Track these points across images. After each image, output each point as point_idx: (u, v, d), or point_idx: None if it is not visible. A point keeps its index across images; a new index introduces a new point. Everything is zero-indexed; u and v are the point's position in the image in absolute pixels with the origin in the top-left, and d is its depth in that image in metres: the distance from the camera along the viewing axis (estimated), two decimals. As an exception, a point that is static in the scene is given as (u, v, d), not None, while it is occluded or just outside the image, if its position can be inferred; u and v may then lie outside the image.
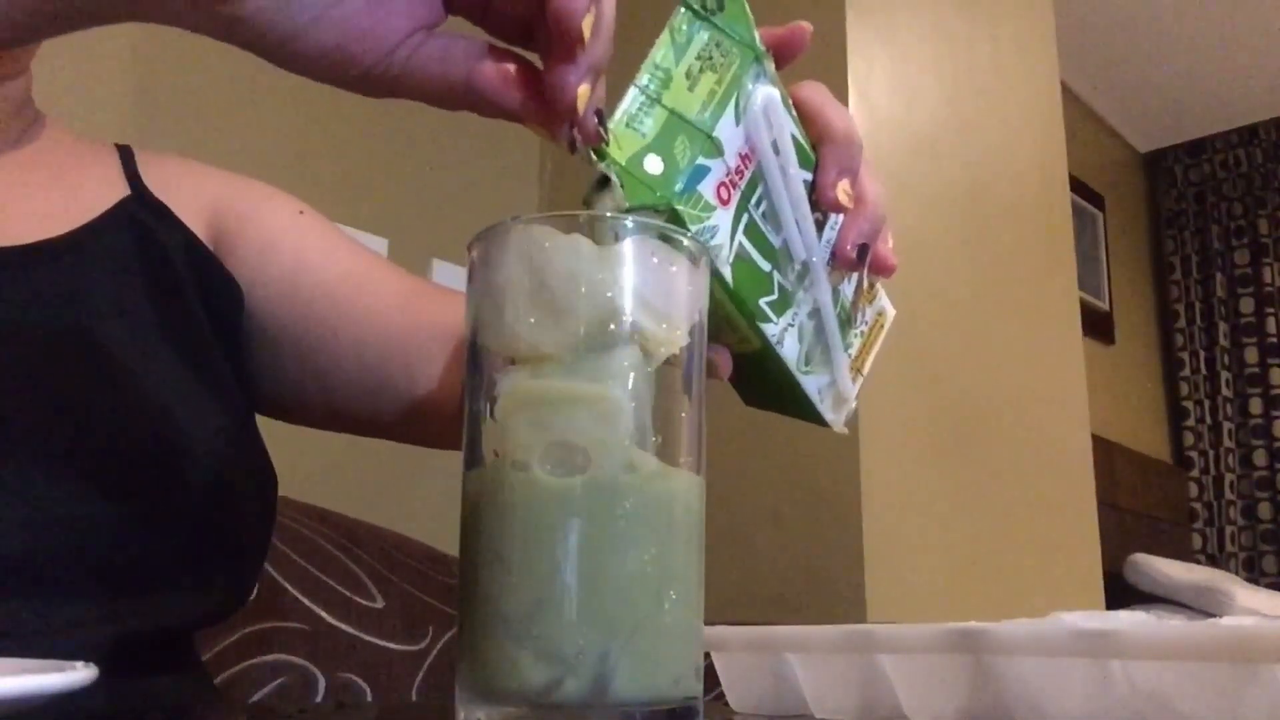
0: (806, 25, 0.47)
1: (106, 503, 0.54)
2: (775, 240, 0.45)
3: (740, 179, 0.43)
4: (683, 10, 0.42)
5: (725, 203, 0.42)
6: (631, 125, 0.40)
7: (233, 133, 1.52)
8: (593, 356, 0.36)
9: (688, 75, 0.41)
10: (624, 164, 0.40)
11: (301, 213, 0.71)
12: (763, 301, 0.44)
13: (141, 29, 1.45)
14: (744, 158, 0.43)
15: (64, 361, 0.57)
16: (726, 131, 0.42)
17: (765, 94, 0.44)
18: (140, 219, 0.65)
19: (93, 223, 0.63)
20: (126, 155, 0.69)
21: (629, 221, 0.37)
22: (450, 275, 1.79)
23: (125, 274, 0.63)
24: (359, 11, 0.38)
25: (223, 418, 0.62)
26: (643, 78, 0.41)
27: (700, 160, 0.41)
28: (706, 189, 0.41)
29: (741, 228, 0.43)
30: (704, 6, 0.42)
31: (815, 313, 0.47)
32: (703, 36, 0.42)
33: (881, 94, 1.72)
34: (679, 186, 0.40)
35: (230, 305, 0.67)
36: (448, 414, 0.66)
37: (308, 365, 0.68)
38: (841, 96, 1.64)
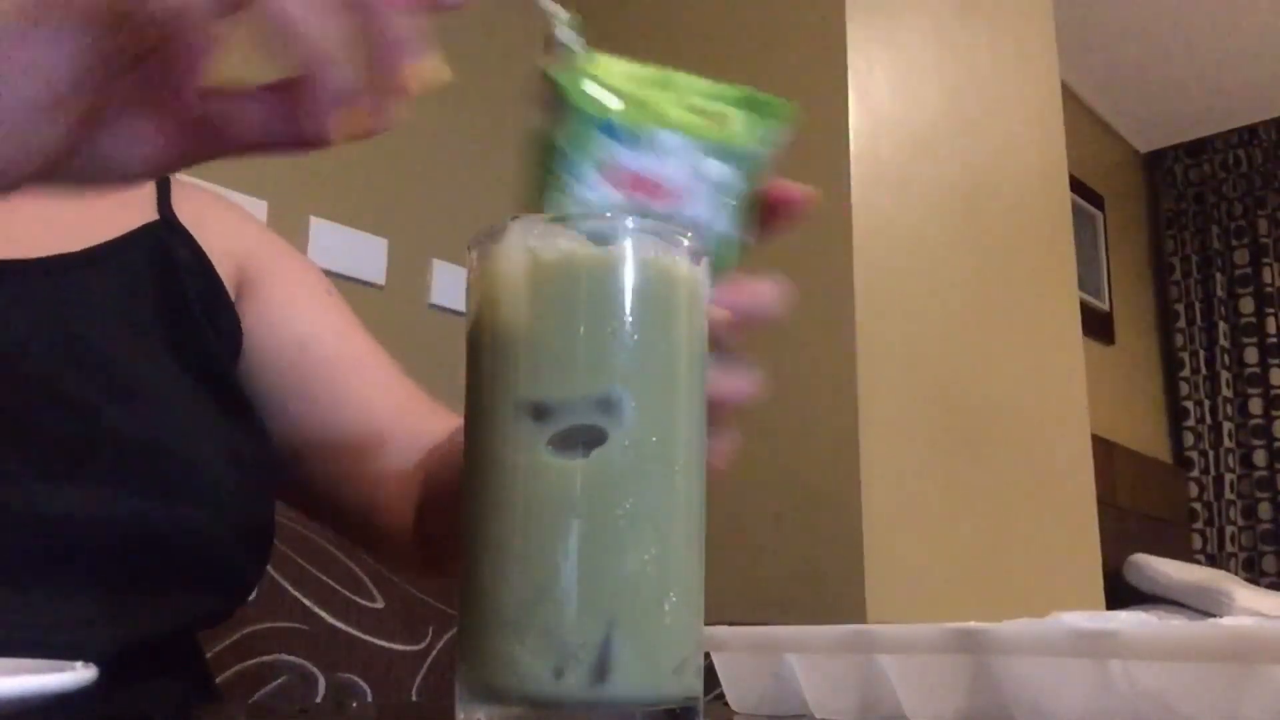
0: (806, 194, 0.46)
1: (112, 506, 0.55)
2: None
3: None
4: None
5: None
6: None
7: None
8: (595, 353, 0.36)
9: None
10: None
11: (329, 293, 0.73)
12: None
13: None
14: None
15: (75, 370, 0.58)
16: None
17: None
18: (163, 242, 0.66)
19: (113, 240, 0.64)
20: (162, 181, 0.69)
21: (629, 221, 0.37)
22: (450, 275, 1.79)
23: (138, 290, 0.63)
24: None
25: (226, 424, 0.62)
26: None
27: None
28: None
29: None
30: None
31: None
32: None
33: (881, 94, 1.72)
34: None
35: (229, 347, 0.67)
36: (395, 528, 0.66)
37: (285, 431, 0.69)
38: (841, 96, 1.65)
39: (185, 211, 0.69)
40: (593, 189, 0.38)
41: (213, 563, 0.60)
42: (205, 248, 0.68)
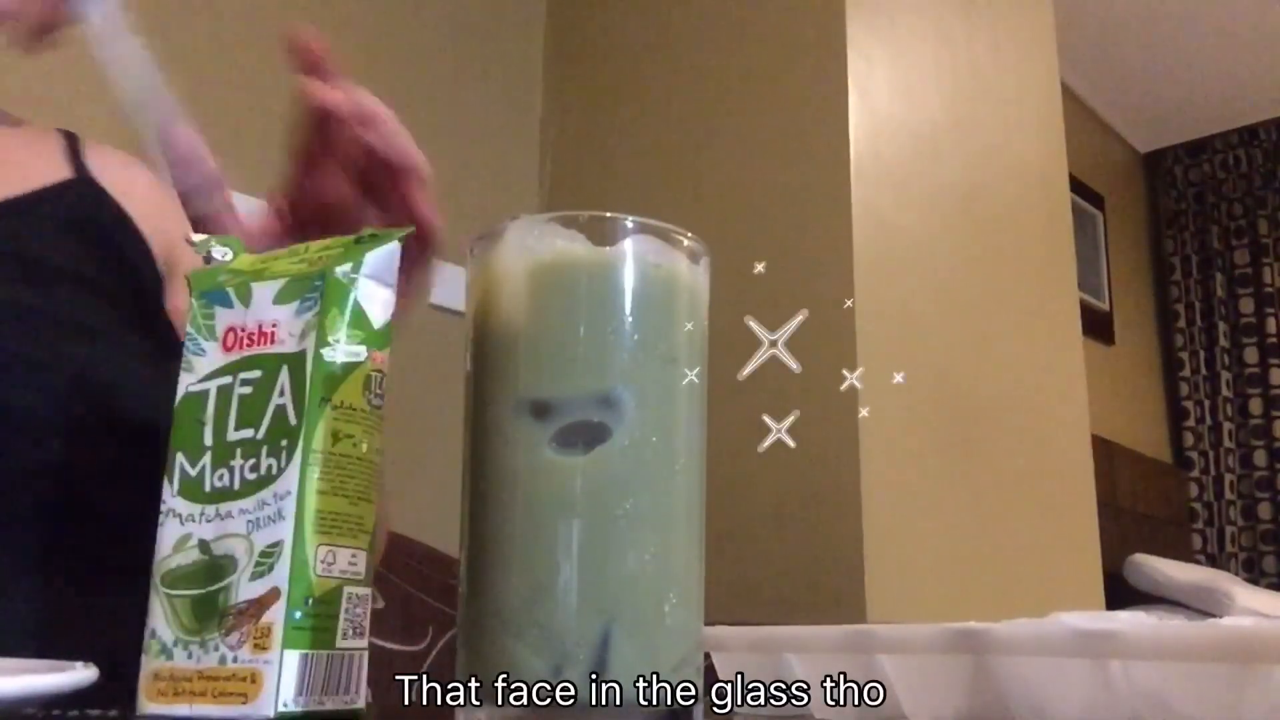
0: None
1: (70, 468, 0.53)
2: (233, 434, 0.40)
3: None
4: None
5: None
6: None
7: (235, 133, 1.52)
8: (595, 353, 0.36)
9: None
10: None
11: None
12: (180, 457, 0.40)
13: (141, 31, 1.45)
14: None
15: (17, 325, 0.55)
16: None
17: None
18: (83, 200, 0.63)
19: (37, 191, 0.61)
20: (71, 140, 0.68)
21: (629, 221, 0.37)
22: (450, 275, 1.79)
23: (72, 242, 0.61)
24: None
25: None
26: None
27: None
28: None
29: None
30: None
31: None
32: None
33: (881, 94, 1.72)
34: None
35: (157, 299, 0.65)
36: None
37: None
38: (841, 96, 1.64)
39: (105, 175, 0.66)
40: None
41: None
42: (134, 217, 0.65)
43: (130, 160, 0.70)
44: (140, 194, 0.67)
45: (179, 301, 0.66)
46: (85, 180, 0.65)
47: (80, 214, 0.63)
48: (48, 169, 0.64)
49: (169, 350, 0.60)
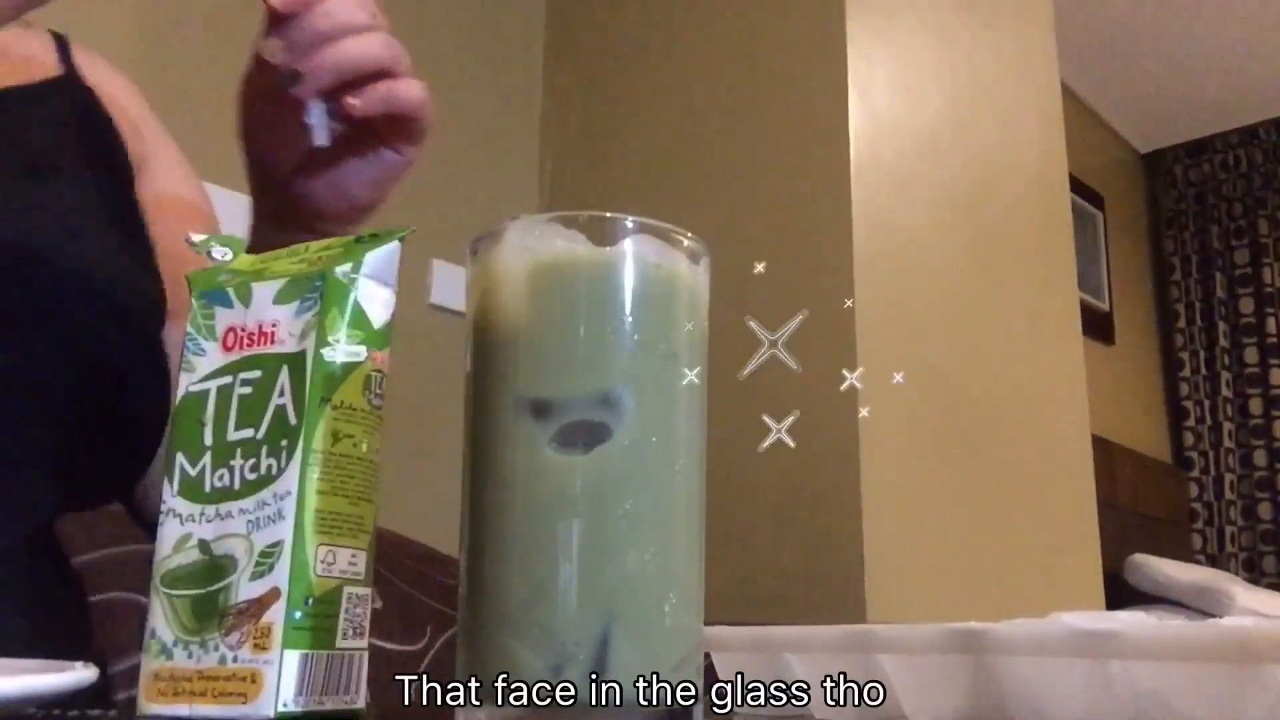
0: None
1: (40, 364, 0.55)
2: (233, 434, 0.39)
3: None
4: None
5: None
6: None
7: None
8: (595, 352, 0.36)
9: None
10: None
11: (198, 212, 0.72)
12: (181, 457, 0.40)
13: (144, 21, 1.45)
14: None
15: (10, 215, 0.57)
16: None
17: None
18: (75, 95, 0.66)
19: (31, 85, 0.64)
20: (61, 40, 0.70)
21: (629, 221, 0.37)
22: (450, 275, 1.79)
23: (62, 135, 0.63)
24: None
25: (152, 290, 0.63)
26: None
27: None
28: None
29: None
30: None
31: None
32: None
33: (881, 94, 1.72)
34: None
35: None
36: None
37: None
38: (841, 96, 1.65)
39: (92, 75, 0.68)
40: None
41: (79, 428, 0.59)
42: (115, 118, 0.68)
43: (110, 66, 0.73)
44: (120, 99, 0.70)
45: (145, 191, 0.69)
46: (74, 79, 0.67)
47: (69, 109, 0.65)
48: (40, 65, 0.66)
49: (141, 246, 0.64)
